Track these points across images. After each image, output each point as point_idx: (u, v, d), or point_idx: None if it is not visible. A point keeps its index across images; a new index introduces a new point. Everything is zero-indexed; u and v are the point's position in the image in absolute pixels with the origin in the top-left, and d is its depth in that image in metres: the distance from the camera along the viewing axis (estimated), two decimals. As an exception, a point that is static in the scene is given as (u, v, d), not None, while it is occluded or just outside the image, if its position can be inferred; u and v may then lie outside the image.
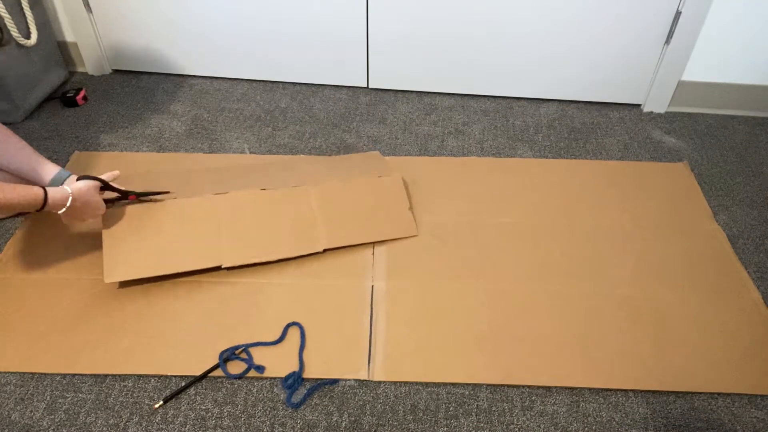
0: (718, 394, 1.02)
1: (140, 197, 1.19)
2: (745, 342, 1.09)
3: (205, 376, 1.01)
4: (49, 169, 1.17)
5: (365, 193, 1.23)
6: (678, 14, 1.57)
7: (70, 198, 1.07)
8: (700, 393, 1.02)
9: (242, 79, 1.84)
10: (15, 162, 1.16)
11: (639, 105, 1.78)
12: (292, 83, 1.83)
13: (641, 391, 1.02)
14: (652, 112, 1.76)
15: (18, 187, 1.02)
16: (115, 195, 1.16)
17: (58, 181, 1.16)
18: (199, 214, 1.21)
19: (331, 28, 1.69)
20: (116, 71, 1.87)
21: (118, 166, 1.44)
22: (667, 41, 1.62)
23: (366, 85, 1.82)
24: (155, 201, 1.18)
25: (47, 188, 1.06)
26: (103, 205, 1.15)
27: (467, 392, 1.01)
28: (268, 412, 0.97)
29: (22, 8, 1.55)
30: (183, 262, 1.16)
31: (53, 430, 0.94)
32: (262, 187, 1.26)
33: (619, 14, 1.58)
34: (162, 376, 1.02)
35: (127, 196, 1.17)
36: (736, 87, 1.70)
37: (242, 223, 1.21)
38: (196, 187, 1.29)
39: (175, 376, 1.01)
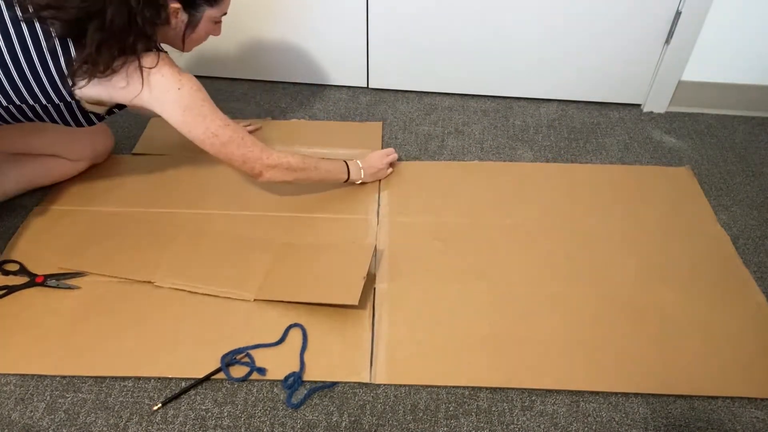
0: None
1: (47, 280, 1.15)
2: (749, 345, 1.09)
3: (206, 379, 1.01)
4: None
5: (328, 257, 1.20)
6: (678, 14, 1.57)
7: (362, 170, 1.37)
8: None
9: (242, 79, 1.84)
10: None
11: (639, 105, 1.78)
12: (292, 83, 1.83)
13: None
14: (652, 112, 1.76)
15: (326, 161, 1.30)
16: (23, 280, 1.15)
17: None
18: (162, 226, 1.29)
19: (331, 28, 1.69)
20: (116, 71, 1.86)
21: (120, 170, 1.46)
22: (667, 41, 1.62)
23: (366, 85, 1.82)
24: (61, 287, 1.15)
25: (348, 162, 1.34)
26: (386, 169, 1.43)
27: (467, 392, 1.01)
28: (268, 412, 0.97)
29: (22, 8, 1.55)
30: (117, 269, 1.19)
31: (53, 430, 0.94)
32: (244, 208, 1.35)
33: (619, 14, 1.58)
34: (162, 377, 1.02)
35: (34, 278, 1.15)
36: (736, 87, 1.70)
37: (192, 247, 1.24)
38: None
39: (175, 378, 1.02)
